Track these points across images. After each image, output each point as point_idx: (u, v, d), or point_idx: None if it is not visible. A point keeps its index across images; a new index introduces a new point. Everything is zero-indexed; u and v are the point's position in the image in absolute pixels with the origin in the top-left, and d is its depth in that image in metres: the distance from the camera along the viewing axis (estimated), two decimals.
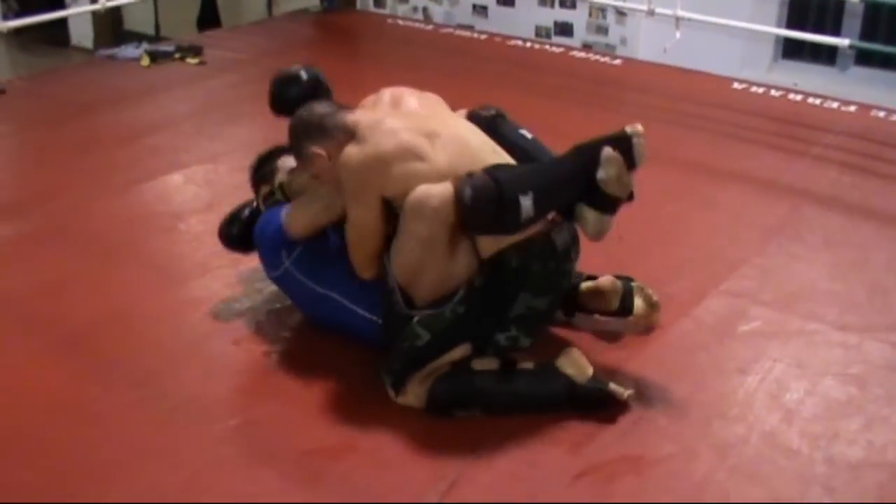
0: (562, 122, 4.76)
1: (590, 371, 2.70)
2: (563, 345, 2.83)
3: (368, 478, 2.43)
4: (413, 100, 3.04)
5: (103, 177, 4.24)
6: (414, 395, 2.65)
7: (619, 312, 3.04)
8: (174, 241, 3.69)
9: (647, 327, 3.05)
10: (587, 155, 2.70)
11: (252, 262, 3.34)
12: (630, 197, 2.78)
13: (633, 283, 3.06)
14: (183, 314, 3.17)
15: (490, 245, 2.68)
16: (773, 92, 5.30)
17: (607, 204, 2.72)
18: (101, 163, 4.40)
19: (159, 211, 3.95)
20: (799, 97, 5.23)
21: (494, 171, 2.65)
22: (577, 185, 2.70)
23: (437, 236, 2.63)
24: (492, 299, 2.71)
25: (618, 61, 5.87)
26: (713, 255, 3.54)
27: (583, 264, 3.35)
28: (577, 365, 2.70)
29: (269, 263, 3.03)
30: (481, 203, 2.57)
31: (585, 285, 3.05)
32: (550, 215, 2.77)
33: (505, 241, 2.67)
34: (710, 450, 2.55)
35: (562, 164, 2.78)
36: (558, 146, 4.42)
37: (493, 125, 3.05)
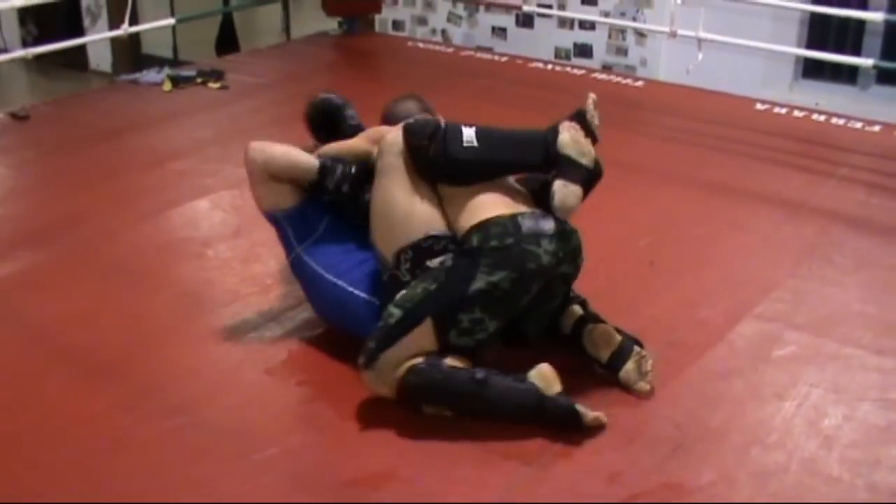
0: None
1: (558, 387, 2.69)
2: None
3: None
4: None
5: (129, 203, 4.24)
6: (385, 382, 2.69)
7: (604, 366, 2.93)
8: (203, 268, 3.68)
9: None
10: (548, 130, 2.88)
11: (281, 288, 3.35)
12: (597, 170, 2.91)
13: (634, 347, 2.91)
14: (215, 342, 3.16)
15: (470, 214, 2.82)
16: (795, 112, 5.29)
17: (568, 169, 2.82)
18: (126, 188, 4.40)
19: (187, 237, 3.95)
20: (822, 117, 5.22)
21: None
22: (531, 147, 2.87)
23: (395, 164, 2.90)
24: (454, 275, 2.74)
25: (640, 83, 5.87)
26: (745, 278, 3.53)
27: (615, 290, 3.38)
28: (546, 379, 2.70)
29: (286, 245, 3.14)
30: (420, 125, 2.89)
31: (586, 329, 2.96)
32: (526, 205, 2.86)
33: (485, 212, 2.80)
34: (751, 477, 2.54)
35: (521, 130, 2.96)
36: None
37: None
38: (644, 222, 3.99)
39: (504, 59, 6.41)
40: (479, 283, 2.71)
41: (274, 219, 3.12)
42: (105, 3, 8.75)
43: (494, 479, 2.51)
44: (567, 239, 2.83)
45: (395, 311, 2.72)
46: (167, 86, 5.79)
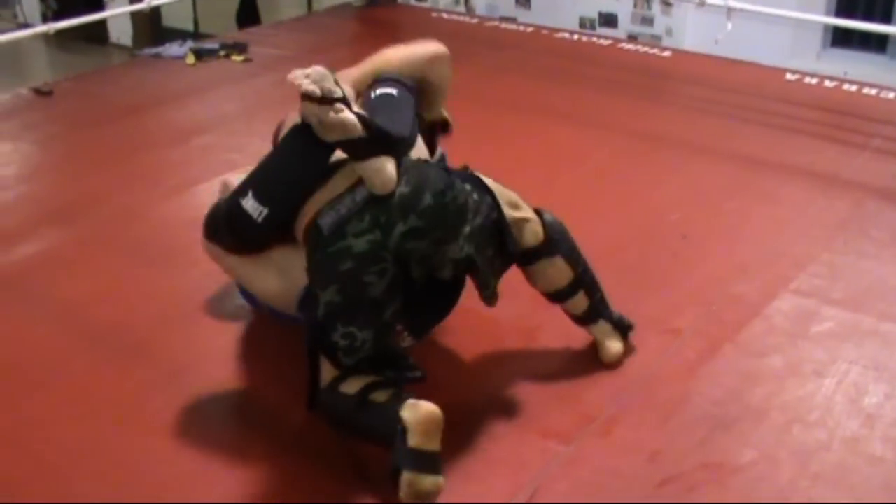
0: (614, 115, 4.74)
1: (418, 440, 2.24)
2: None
3: (450, 489, 2.39)
4: None
5: (155, 179, 4.21)
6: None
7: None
8: None
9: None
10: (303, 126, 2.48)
11: None
12: (378, 133, 2.42)
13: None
14: (244, 321, 3.13)
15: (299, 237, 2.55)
16: (826, 82, 5.21)
17: (347, 149, 2.43)
18: (152, 164, 4.38)
19: None
20: (853, 87, 5.14)
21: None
22: (309, 154, 2.51)
23: (228, 266, 2.72)
24: (306, 299, 2.53)
25: (667, 53, 5.80)
26: (779, 252, 3.48)
27: (646, 265, 3.34)
28: (415, 422, 2.25)
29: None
30: (211, 229, 2.63)
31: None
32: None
33: (301, 230, 2.52)
34: (792, 456, 2.50)
35: (284, 146, 2.61)
36: (611, 141, 4.43)
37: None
38: (674, 195, 3.93)
39: (529, 29, 6.34)
40: (320, 306, 2.44)
41: None
42: None
43: (532, 458, 2.48)
44: (385, 197, 2.40)
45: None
46: (190, 59, 5.75)
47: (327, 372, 2.47)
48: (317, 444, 2.54)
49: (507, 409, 2.64)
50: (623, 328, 2.86)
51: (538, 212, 2.76)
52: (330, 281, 2.41)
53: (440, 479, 2.24)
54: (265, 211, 2.49)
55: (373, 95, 2.69)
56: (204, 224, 2.67)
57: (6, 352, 3.01)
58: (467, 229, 2.47)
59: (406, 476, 2.22)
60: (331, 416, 2.47)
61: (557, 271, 2.76)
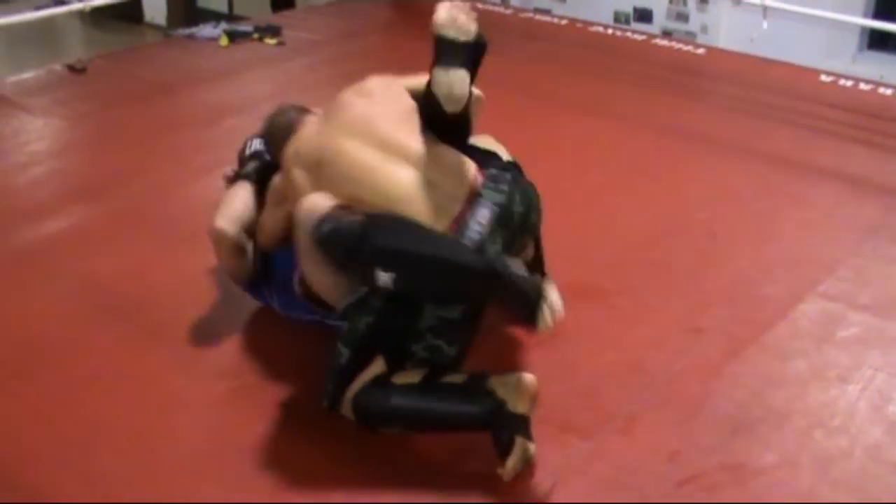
0: (646, 111, 4.71)
1: (523, 407, 2.37)
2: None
3: (469, 480, 2.39)
4: (349, 105, 2.80)
5: (184, 159, 4.22)
6: (345, 408, 2.49)
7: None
8: None
9: None
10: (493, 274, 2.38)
11: None
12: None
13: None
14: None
15: None
16: (861, 85, 5.15)
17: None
18: (181, 144, 4.39)
19: None
20: (888, 91, 5.08)
21: (377, 220, 2.44)
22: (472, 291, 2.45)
23: (313, 250, 2.52)
24: (399, 310, 2.48)
25: (701, 50, 5.75)
26: (807, 255, 3.45)
27: (674, 263, 3.33)
28: (518, 392, 2.38)
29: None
30: (331, 246, 2.45)
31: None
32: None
33: None
34: (813, 461, 2.48)
35: (459, 263, 2.41)
36: (642, 136, 4.41)
37: None
38: (703, 194, 3.91)
39: (563, 21, 6.31)
40: (429, 319, 2.46)
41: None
42: None
43: (551, 454, 2.46)
44: (508, 218, 2.54)
45: (343, 351, 2.48)
46: (224, 41, 5.76)
47: (368, 373, 2.46)
48: (342, 425, 2.52)
49: None
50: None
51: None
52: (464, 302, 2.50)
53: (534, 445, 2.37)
54: (389, 287, 2.40)
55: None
56: (323, 234, 2.45)
57: (31, 326, 3.03)
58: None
59: (520, 441, 2.32)
60: (377, 412, 2.45)
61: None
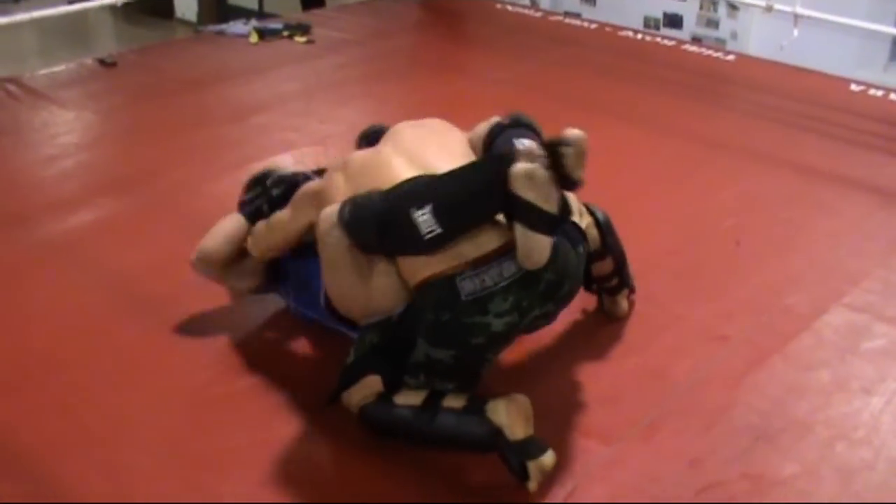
0: (674, 117, 4.70)
1: (521, 431, 2.32)
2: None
3: (488, 484, 2.39)
4: (404, 130, 2.79)
5: (212, 154, 4.24)
6: (349, 406, 2.49)
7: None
8: None
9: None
10: (505, 159, 2.37)
11: None
12: (566, 214, 2.42)
13: None
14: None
15: (409, 273, 2.44)
16: (892, 95, 5.12)
17: (528, 215, 2.29)
18: (210, 140, 4.41)
19: None
20: None
21: (393, 188, 2.43)
22: (494, 192, 2.33)
23: (336, 259, 2.49)
24: (397, 338, 2.46)
25: (731, 57, 5.73)
26: (833, 265, 3.43)
27: (699, 271, 3.32)
28: (511, 417, 2.32)
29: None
30: (360, 222, 2.40)
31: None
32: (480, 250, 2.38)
33: (421, 271, 2.41)
34: (835, 473, 2.47)
35: (473, 170, 2.44)
36: (670, 143, 4.40)
37: (494, 134, 2.67)
38: (729, 202, 3.89)
39: (592, 25, 6.30)
40: (418, 353, 2.42)
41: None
42: None
43: (572, 460, 2.46)
44: (533, 281, 2.38)
45: (351, 354, 2.49)
46: (253, 38, 5.78)
47: (367, 387, 2.46)
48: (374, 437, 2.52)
49: (549, 407, 2.61)
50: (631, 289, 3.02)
51: (590, 211, 2.76)
52: (452, 346, 2.40)
53: (550, 450, 2.33)
54: (438, 230, 2.33)
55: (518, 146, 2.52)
56: (346, 216, 2.43)
57: (57, 318, 3.05)
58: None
59: (532, 465, 2.29)
60: (384, 428, 2.45)
61: (604, 266, 2.89)
